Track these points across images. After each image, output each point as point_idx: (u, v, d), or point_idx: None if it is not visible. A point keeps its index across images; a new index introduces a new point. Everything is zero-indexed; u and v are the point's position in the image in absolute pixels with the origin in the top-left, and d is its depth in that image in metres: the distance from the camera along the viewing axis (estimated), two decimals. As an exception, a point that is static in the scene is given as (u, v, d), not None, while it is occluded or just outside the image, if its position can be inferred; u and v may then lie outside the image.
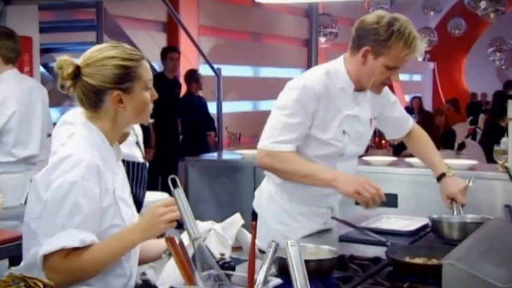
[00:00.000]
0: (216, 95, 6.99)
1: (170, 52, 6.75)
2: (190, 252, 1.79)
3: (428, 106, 14.31)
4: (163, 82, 6.14)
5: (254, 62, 10.36)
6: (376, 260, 2.14)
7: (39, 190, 1.84)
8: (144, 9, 7.65)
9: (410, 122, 2.96)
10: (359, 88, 2.62)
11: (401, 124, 2.93)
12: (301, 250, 1.65)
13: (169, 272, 1.94)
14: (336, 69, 2.60)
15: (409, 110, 10.53)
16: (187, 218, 1.79)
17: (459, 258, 1.62)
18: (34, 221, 1.84)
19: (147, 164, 2.67)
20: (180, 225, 1.83)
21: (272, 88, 11.49)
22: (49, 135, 4.25)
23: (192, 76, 7.20)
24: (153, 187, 2.96)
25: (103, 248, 1.82)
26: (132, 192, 2.47)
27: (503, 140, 4.24)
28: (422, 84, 17.73)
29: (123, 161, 2.44)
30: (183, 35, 7.76)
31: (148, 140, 5.89)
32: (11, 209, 3.18)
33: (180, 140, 6.97)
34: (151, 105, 1.99)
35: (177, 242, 1.75)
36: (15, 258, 2.46)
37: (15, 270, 1.73)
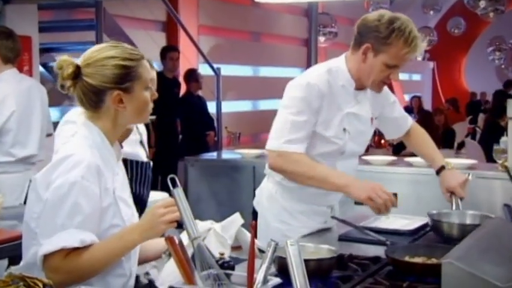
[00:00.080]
0: (215, 95, 6.98)
1: (170, 51, 6.75)
2: (189, 251, 1.79)
3: (427, 105, 14.32)
4: (163, 82, 6.11)
5: (254, 61, 10.36)
6: (375, 259, 2.14)
7: (39, 190, 1.84)
8: (144, 9, 7.65)
9: (409, 121, 2.97)
10: (360, 87, 2.62)
11: (400, 124, 2.95)
12: (301, 249, 1.65)
13: (169, 271, 1.95)
14: (337, 67, 2.60)
15: (409, 109, 10.53)
16: (187, 218, 1.79)
17: (459, 258, 1.62)
18: (34, 221, 1.84)
19: (151, 163, 2.65)
20: (179, 225, 1.83)
21: (272, 87, 11.50)
22: (48, 135, 4.26)
23: (192, 76, 7.19)
24: (152, 187, 2.96)
25: (103, 248, 1.82)
26: (135, 192, 2.47)
27: (503, 139, 4.24)
28: (422, 84, 17.73)
29: (127, 160, 2.44)
30: (182, 35, 7.75)
31: (148, 139, 5.87)
32: (10, 209, 3.18)
33: (180, 139, 6.97)
34: (151, 105, 1.99)
35: (177, 241, 1.75)
36: (15, 258, 2.46)
37: (15, 269, 1.73)
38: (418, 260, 2.04)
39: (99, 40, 5.41)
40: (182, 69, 7.50)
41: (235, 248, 2.20)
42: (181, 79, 7.25)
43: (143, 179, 2.56)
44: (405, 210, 3.20)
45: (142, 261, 2.08)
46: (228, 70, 8.18)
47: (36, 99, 4.08)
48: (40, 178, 1.86)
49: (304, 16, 10.83)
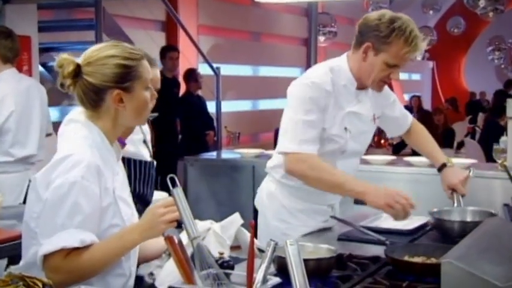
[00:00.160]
0: (215, 94, 6.98)
1: (169, 51, 6.75)
2: (189, 251, 1.79)
3: (427, 105, 14.32)
4: (162, 81, 6.11)
5: (253, 61, 10.36)
6: (375, 259, 2.14)
7: (39, 189, 1.83)
8: (143, 9, 7.64)
9: (409, 119, 2.99)
10: (361, 86, 2.63)
11: (401, 123, 2.96)
12: (300, 249, 1.65)
13: (168, 271, 1.94)
14: (339, 66, 2.61)
15: (408, 109, 10.49)
16: (186, 218, 1.79)
17: (458, 257, 1.62)
18: (34, 221, 1.84)
19: (155, 163, 2.63)
20: (179, 225, 1.83)
21: (271, 87, 11.50)
22: (48, 134, 4.26)
23: (191, 75, 7.19)
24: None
25: (103, 248, 1.82)
26: (139, 191, 2.47)
27: (503, 138, 4.25)
28: (422, 83, 17.74)
29: (130, 159, 2.43)
30: (182, 34, 7.75)
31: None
32: (10, 208, 3.17)
33: (179, 139, 6.97)
34: (150, 106, 1.99)
35: (176, 241, 1.75)
36: (14, 258, 2.45)
37: (14, 269, 1.73)
38: (417, 259, 2.04)
39: (98, 40, 5.41)
40: (182, 68, 7.49)
41: (235, 247, 2.20)
42: (180, 79, 7.25)
43: (147, 179, 2.55)
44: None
45: (141, 261, 2.08)
46: (227, 70, 8.18)
47: (36, 99, 4.08)
48: (40, 178, 1.85)
49: (304, 16, 10.83)
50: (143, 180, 2.52)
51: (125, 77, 1.89)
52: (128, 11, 7.17)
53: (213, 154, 5.93)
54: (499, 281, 1.52)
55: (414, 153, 4.87)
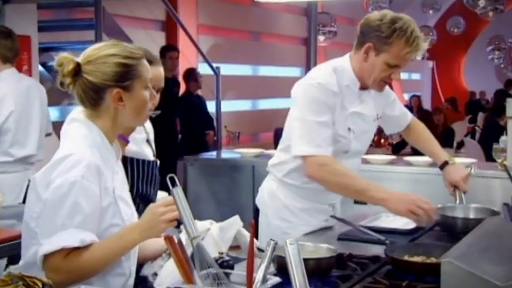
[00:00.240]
0: (215, 94, 6.98)
1: (169, 51, 6.74)
2: (188, 251, 1.79)
3: (427, 105, 14.32)
4: (162, 81, 6.12)
5: (253, 60, 10.36)
6: (375, 258, 2.14)
7: (39, 189, 1.83)
8: (143, 8, 7.64)
9: (408, 116, 3.01)
10: (364, 86, 2.63)
11: (401, 121, 2.99)
12: (300, 248, 1.65)
13: (168, 271, 1.94)
14: (342, 66, 2.62)
15: (408, 108, 10.43)
16: (186, 217, 1.79)
17: (458, 257, 1.62)
18: (33, 221, 1.84)
19: (158, 162, 2.63)
20: (179, 224, 1.83)
21: (271, 87, 11.48)
22: (48, 134, 4.25)
23: (191, 75, 7.19)
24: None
25: (103, 248, 1.82)
26: (142, 191, 2.45)
27: (502, 138, 4.25)
28: (422, 83, 17.74)
29: (133, 159, 2.42)
30: (181, 34, 7.75)
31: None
32: (9, 208, 3.17)
33: (179, 139, 6.97)
34: (149, 105, 1.99)
35: (176, 240, 1.75)
36: (14, 257, 2.45)
37: (14, 269, 1.73)
38: (417, 259, 2.04)
39: (98, 39, 5.40)
40: (181, 68, 7.49)
41: (234, 247, 2.20)
42: (180, 78, 7.25)
43: (150, 178, 2.53)
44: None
45: (141, 261, 2.08)
46: (227, 69, 8.18)
47: (35, 99, 4.08)
48: (40, 177, 1.85)
49: (303, 15, 10.82)
50: (146, 180, 2.50)
51: (125, 75, 1.89)
52: (128, 11, 7.17)
53: (212, 154, 5.93)
54: (499, 281, 1.52)
55: (414, 153, 4.87)
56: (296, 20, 11.09)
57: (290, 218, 2.71)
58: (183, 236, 1.82)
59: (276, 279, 1.72)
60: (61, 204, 1.78)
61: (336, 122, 2.58)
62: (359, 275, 1.97)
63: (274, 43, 10.87)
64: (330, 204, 2.79)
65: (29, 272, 1.61)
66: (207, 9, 9.06)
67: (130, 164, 2.41)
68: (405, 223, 2.68)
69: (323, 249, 2.08)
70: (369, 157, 4.80)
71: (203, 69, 7.56)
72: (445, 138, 7.55)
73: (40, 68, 5.56)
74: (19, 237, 1.97)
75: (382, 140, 7.83)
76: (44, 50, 5.68)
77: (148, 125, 2.59)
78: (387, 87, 2.78)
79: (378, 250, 2.23)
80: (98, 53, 1.90)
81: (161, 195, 3.37)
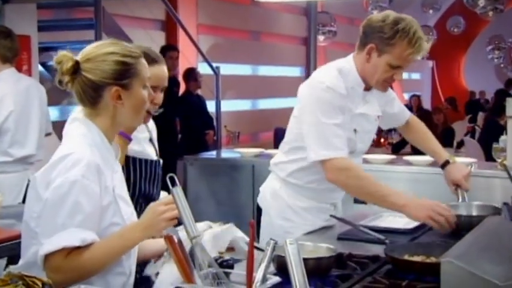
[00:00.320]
0: (214, 94, 6.98)
1: (169, 51, 6.74)
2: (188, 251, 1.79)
3: (427, 104, 14.32)
4: (162, 81, 6.11)
5: (253, 60, 10.36)
6: (374, 258, 2.14)
7: (39, 189, 1.83)
8: (143, 8, 7.64)
9: (407, 113, 3.03)
10: (367, 87, 2.64)
11: (399, 118, 3.01)
12: (300, 248, 1.65)
13: (168, 271, 1.94)
14: (346, 67, 2.62)
15: (408, 108, 10.46)
16: (186, 217, 1.79)
17: (458, 256, 1.62)
18: (33, 220, 1.84)
19: (161, 162, 2.62)
20: (179, 224, 1.83)
21: (271, 86, 11.46)
22: (47, 134, 4.25)
23: (191, 75, 7.19)
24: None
25: (104, 247, 1.82)
26: (145, 191, 2.45)
27: (502, 138, 4.24)
28: (421, 83, 17.73)
29: (136, 158, 2.41)
30: (181, 34, 7.75)
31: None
32: (9, 208, 3.17)
33: (179, 138, 6.96)
34: (147, 105, 1.99)
35: (176, 240, 1.75)
36: (13, 257, 2.45)
37: (14, 268, 1.73)
38: (417, 258, 2.04)
39: (98, 39, 5.40)
40: (181, 68, 7.49)
41: (228, 249, 2.19)
42: (180, 78, 7.25)
43: (153, 178, 2.52)
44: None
45: (140, 261, 2.08)
46: (227, 69, 8.18)
47: (35, 99, 4.08)
48: (39, 177, 1.85)
49: (303, 15, 10.82)
50: (149, 180, 2.49)
51: (124, 74, 1.89)
52: (128, 11, 7.17)
53: (212, 153, 5.93)
54: (499, 280, 1.52)
55: (414, 152, 4.87)
56: (296, 19, 11.09)
57: (293, 217, 2.71)
58: (183, 236, 1.81)
59: (276, 279, 1.72)
60: (62, 204, 1.78)
61: (344, 124, 2.59)
62: (359, 274, 1.97)
63: (274, 43, 10.87)
64: (332, 203, 2.80)
65: (29, 271, 1.61)
66: (207, 9, 9.07)
67: (132, 163, 2.40)
68: (405, 223, 2.69)
69: (323, 249, 2.08)
70: (369, 156, 4.80)
71: (203, 69, 7.56)
72: (445, 138, 7.55)
73: (40, 67, 5.56)
74: (19, 237, 1.97)
75: (382, 140, 7.83)
76: (44, 49, 5.68)
77: (151, 123, 2.58)
78: (387, 86, 2.79)
79: (377, 250, 2.23)
80: (97, 51, 1.90)
81: (162, 195, 3.37)
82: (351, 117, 2.61)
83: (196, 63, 8.14)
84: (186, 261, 1.73)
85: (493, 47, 14.82)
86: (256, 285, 1.66)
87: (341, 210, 2.89)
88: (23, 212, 1.91)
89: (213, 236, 2.15)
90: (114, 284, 1.90)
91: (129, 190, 2.07)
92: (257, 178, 4.67)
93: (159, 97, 2.34)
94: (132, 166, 2.40)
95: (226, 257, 2.06)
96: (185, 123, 6.96)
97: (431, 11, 11.80)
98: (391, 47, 2.49)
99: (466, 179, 2.75)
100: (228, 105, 8.50)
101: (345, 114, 2.57)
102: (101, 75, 1.88)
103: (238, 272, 1.76)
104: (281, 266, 1.87)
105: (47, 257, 1.77)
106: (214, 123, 7.11)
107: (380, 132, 7.24)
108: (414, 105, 11.32)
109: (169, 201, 1.82)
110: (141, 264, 2.08)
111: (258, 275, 1.67)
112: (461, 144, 8.10)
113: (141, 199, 2.41)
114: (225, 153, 5.85)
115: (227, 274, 1.74)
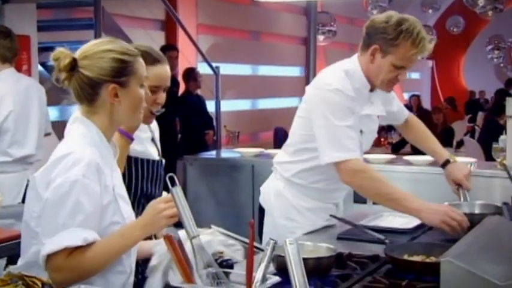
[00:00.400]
0: (214, 94, 6.98)
1: (168, 50, 6.73)
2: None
3: (427, 104, 14.31)
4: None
5: (253, 60, 10.36)
6: (374, 257, 2.14)
7: (39, 189, 1.83)
8: (143, 8, 7.64)
9: (405, 112, 3.04)
10: (373, 88, 2.65)
11: (397, 116, 3.02)
12: (300, 248, 1.65)
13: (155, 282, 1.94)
14: (352, 68, 2.63)
15: (408, 108, 10.46)
16: (186, 217, 1.79)
17: (457, 256, 1.62)
18: (34, 220, 1.84)
19: (163, 162, 2.61)
20: (178, 223, 1.83)
21: (271, 86, 11.46)
22: (47, 134, 4.25)
23: (191, 74, 7.19)
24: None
25: (105, 246, 1.82)
26: (147, 191, 2.44)
27: (502, 137, 4.24)
28: (421, 82, 17.73)
29: (138, 158, 2.41)
30: (181, 34, 7.75)
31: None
32: (8, 208, 3.17)
33: (179, 138, 6.96)
34: (144, 104, 1.99)
35: (175, 240, 1.75)
36: (13, 257, 2.45)
37: (14, 268, 1.73)
38: (417, 258, 2.05)
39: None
40: (181, 68, 7.49)
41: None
42: (180, 78, 7.25)
43: (155, 178, 2.51)
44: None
45: (139, 260, 2.07)
46: (227, 69, 8.18)
47: (34, 99, 4.07)
48: (39, 177, 1.85)
49: (303, 15, 10.82)
50: (151, 180, 2.48)
51: (121, 71, 1.89)
52: (127, 10, 7.17)
53: (212, 153, 5.93)
54: (499, 280, 1.52)
55: (414, 152, 4.87)
56: (295, 19, 11.09)
57: (297, 217, 2.71)
58: (183, 235, 1.81)
59: (276, 279, 1.71)
60: (62, 204, 1.78)
61: (355, 126, 2.60)
62: (359, 274, 1.98)
63: (274, 43, 10.87)
64: (335, 203, 2.81)
65: (29, 271, 1.61)
66: (207, 9, 9.07)
67: (134, 163, 2.39)
68: (405, 222, 2.69)
69: (323, 249, 2.08)
70: (369, 156, 4.80)
71: (203, 68, 7.56)
72: (445, 138, 7.56)
73: (39, 67, 5.56)
74: (18, 237, 1.97)
75: (382, 139, 7.83)
76: (44, 49, 5.68)
77: (153, 123, 2.57)
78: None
79: (377, 249, 2.23)
80: (95, 49, 1.90)
81: (163, 195, 3.37)
82: (358, 118, 2.61)
83: (196, 63, 8.14)
84: (186, 261, 1.73)
85: (492, 47, 14.82)
86: (256, 285, 1.66)
87: (343, 210, 2.90)
88: (23, 212, 1.90)
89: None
90: (115, 283, 1.90)
91: (130, 190, 2.06)
92: (257, 178, 4.67)
93: (162, 97, 2.34)
94: (134, 166, 2.39)
95: (226, 257, 2.05)
96: (185, 123, 6.96)
97: (430, 11, 11.80)
98: (395, 48, 2.50)
99: (467, 178, 2.75)
100: (228, 105, 8.50)
101: (354, 115, 2.58)
102: (98, 72, 1.88)
103: (238, 271, 1.76)
104: (281, 266, 1.87)
105: (49, 256, 1.77)
106: (214, 123, 7.10)
107: (380, 132, 7.24)
108: (414, 105, 11.31)
109: (169, 199, 1.82)
110: (143, 265, 2.08)
111: (258, 275, 1.67)
112: (460, 144, 8.11)
113: (143, 199, 2.40)
114: (225, 153, 5.85)
115: (227, 274, 1.74)
